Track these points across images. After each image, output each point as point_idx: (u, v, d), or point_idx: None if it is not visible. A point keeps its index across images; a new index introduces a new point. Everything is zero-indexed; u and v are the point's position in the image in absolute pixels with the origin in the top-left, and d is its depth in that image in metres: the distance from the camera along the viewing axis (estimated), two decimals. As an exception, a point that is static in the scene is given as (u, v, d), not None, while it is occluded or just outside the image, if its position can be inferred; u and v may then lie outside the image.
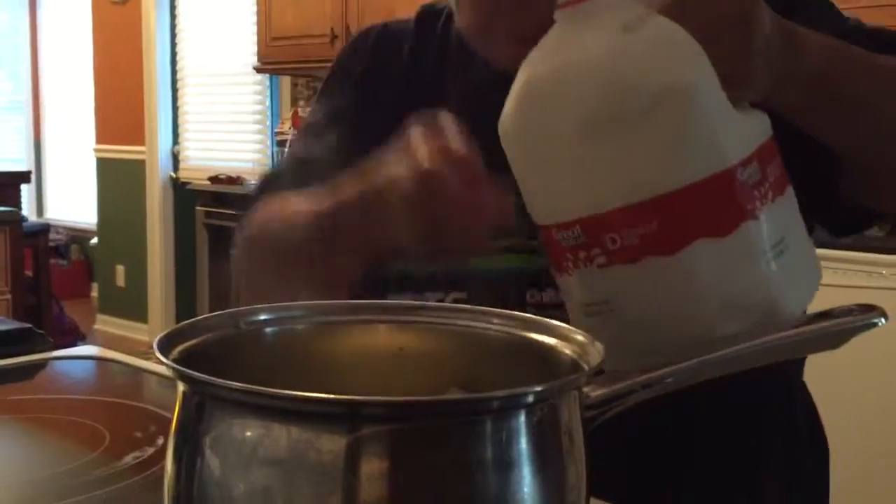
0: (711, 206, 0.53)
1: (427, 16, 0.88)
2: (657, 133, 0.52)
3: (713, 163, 0.53)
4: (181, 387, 0.41)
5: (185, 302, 4.57)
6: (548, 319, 0.49)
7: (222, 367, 0.41)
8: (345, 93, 0.87)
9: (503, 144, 0.59)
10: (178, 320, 4.70)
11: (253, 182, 4.04)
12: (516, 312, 0.51)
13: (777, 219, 0.55)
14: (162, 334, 0.44)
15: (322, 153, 0.81)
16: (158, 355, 0.42)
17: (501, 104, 0.73)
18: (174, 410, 0.42)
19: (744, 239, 0.53)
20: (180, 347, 0.45)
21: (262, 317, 0.50)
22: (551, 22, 0.67)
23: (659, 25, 0.53)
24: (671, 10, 0.54)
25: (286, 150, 0.85)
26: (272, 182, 0.84)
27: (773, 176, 0.56)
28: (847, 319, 0.51)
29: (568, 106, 0.54)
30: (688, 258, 0.53)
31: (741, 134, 0.55)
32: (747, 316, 0.54)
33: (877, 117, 0.66)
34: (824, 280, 0.61)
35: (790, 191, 0.59)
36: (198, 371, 0.40)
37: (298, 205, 0.71)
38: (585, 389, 0.43)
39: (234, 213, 3.78)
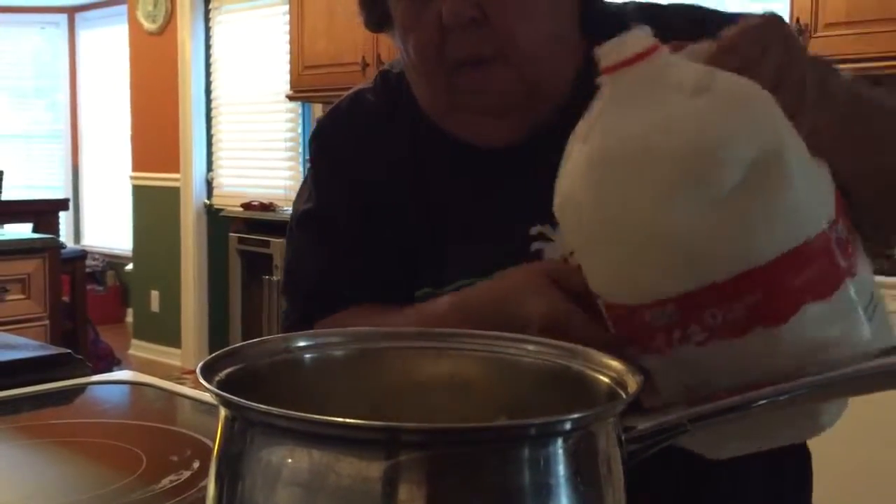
0: (814, 269, 0.50)
1: (389, 85, 0.86)
2: (754, 200, 0.49)
3: (813, 223, 0.51)
4: (223, 412, 0.42)
5: (218, 327, 4.61)
6: (588, 349, 0.50)
7: (266, 393, 0.42)
8: (335, 187, 0.86)
9: (566, 219, 0.56)
10: (212, 346, 4.75)
11: (286, 209, 4.08)
12: (559, 342, 0.51)
13: (864, 271, 0.54)
14: (204, 360, 0.44)
15: (349, 264, 0.83)
16: (201, 380, 0.42)
17: (477, 175, 0.76)
18: (216, 434, 0.42)
19: (845, 298, 0.51)
20: (222, 373, 0.45)
21: (305, 343, 0.51)
22: (538, 94, 0.71)
23: (728, 83, 0.50)
24: (719, 58, 0.52)
25: (293, 244, 0.90)
26: (319, 292, 0.84)
27: (849, 226, 0.54)
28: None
29: (651, 178, 0.50)
30: (798, 324, 0.50)
31: (824, 188, 0.53)
32: None
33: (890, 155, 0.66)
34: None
35: (860, 239, 0.56)
36: (239, 396, 0.40)
37: (394, 321, 0.74)
38: (631, 423, 0.43)
39: (266, 238, 3.82)
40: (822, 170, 0.54)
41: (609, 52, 0.52)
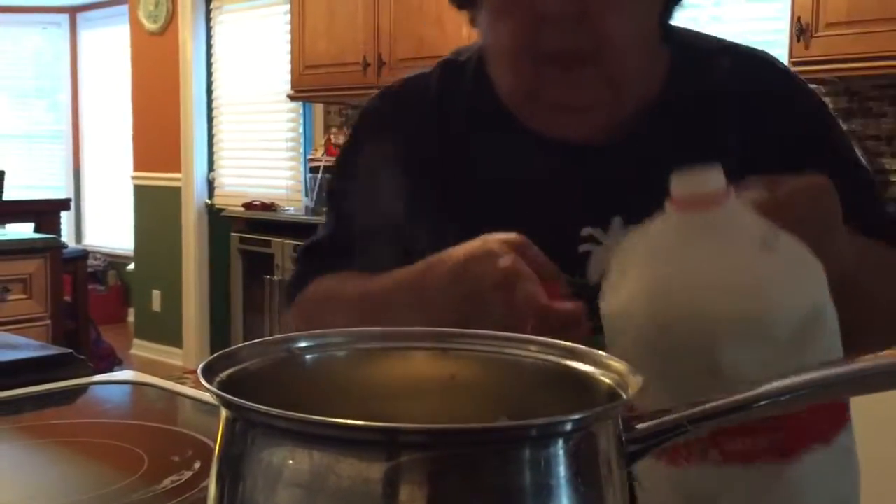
0: (825, 416, 0.57)
1: (450, 71, 0.87)
2: (795, 349, 0.55)
3: None
4: (224, 412, 0.42)
5: (219, 327, 4.62)
6: (590, 349, 0.50)
7: (266, 394, 0.42)
8: (371, 163, 0.87)
9: (617, 328, 0.59)
10: (213, 345, 4.75)
11: (287, 209, 4.10)
12: (562, 342, 0.51)
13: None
14: (205, 361, 0.44)
15: (363, 234, 0.84)
16: (202, 381, 0.42)
17: (541, 169, 0.79)
18: (217, 435, 0.42)
19: (843, 442, 0.58)
20: (223, 373, 0.45)
21: (306, 343, 0.51)
22: (622, 94, 0.76)
23: (791, 245, 0.57)
24: (774, 212, 0.58)
25: (325, 213, 0.99)
26: (319, 257, 0.89)
27: None
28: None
29: (714, 318, 0.55)
30: (798, 463, 0.56)
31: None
32: None
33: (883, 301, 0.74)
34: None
35: None
36: (240, 397, 0.40)
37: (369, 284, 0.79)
38: (630, 424, 0.43)
39: (267, 238, 3.82)
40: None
41: (682, 184, 0.57)
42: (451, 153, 0.84)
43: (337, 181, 0.93)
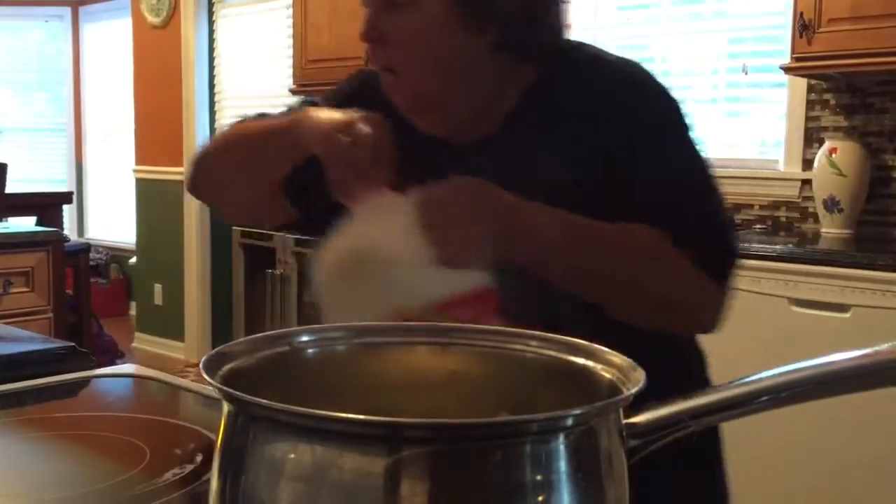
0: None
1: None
2: (374, 279, 0.80)
3: (418, 299, 0.79)
4: (226, 406, 0.42)
5: (220, 321, 4.62)
6: (594, 344, 0.50)
7: (268, 388, 0.42)
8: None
9: (322, 297, 0.84)
10: (214, 339, 4.75)
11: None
12: (563, 337, 0.51)
13: None
14: (208, 355, 0.45)
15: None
16: (205, 375, 0.42)
17: (418, 157, 0.94)
18: (219, 428, 0.43)
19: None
20: (225, 367, 0.45)
21: (308, 338, 0.51)
22: (439, 107, 0.97)
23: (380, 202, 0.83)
24: (423, 206, 0.78)
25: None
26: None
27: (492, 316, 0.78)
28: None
29: (339, 268, 0.83)
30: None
31: (443, 284, 0.79)
32: None
33: (609, 279, 0.86)
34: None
35: None
36: (242, 391, 0.41)
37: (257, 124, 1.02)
38: (631, 420, 0.43)
39: (269, 232, 3.82)
40: (452, 273, 0.80)
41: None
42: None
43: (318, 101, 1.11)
